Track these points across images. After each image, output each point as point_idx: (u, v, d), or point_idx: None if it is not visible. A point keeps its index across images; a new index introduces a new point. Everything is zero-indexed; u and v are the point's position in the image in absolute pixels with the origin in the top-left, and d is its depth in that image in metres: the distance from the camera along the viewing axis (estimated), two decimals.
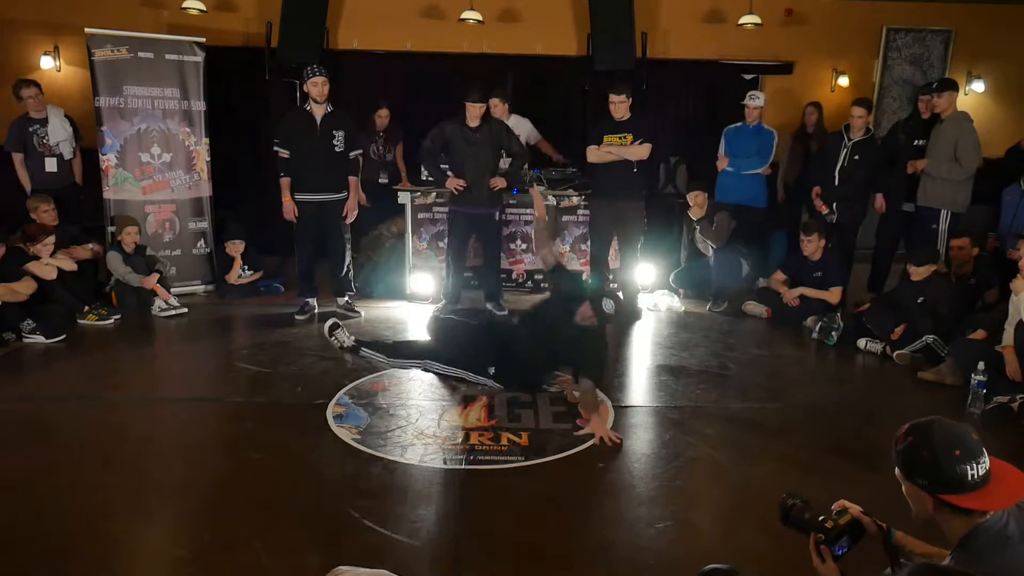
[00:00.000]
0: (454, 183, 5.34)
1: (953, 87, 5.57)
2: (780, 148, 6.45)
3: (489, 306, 5.70)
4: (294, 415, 3.79)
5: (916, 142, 5.85)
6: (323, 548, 2.59)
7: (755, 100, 6.19)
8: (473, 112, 5.24)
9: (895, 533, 1.91)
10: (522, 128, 6.66)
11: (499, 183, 5.42)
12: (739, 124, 6.30)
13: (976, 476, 1.63)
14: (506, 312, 5.64)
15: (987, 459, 1.65)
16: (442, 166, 5.49)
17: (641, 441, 3.62)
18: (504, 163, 5.64)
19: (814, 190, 5.94)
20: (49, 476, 3.11)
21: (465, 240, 5.63)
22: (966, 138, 5.42)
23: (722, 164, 6.24)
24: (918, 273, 4.85)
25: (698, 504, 3.08)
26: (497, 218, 5.65)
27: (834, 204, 5.78)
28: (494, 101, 6.46)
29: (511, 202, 6.11)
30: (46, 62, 7.28)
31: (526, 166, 5.87)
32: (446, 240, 5.83)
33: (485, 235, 5.64)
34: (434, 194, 6.02)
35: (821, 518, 1.87)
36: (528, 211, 6.14)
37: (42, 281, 5.08)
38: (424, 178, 6.15)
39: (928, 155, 5.59)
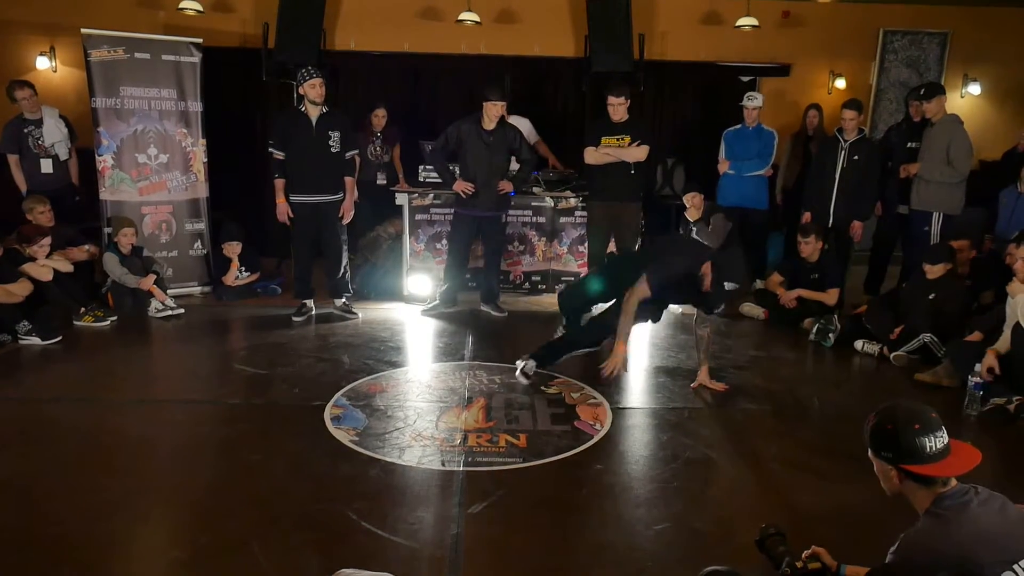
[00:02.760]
0: (462, 186, 5.34)
1: (940, 92, 5.59)
2: (778, 150, 6.47)
3: (486, 307, 5.69)
4: (291, 417, 3.78)
5: (909, 144, 5.87)
6: (321, 550, 2.59)
7: (753, 101, 6.17)
8: (492, 112, 5.25)
9: (844, 568, 2.16)
10: (522, 127, 6.65)
11: (507, 187, 5.46)
12: (738, 126, 6.28)
13: (934, 448, 1.83)
14: (505, 314, 5.64)
15: (945, 435, 1.86)
16: (452, 167, 5.49)
17: (639, 443, 3.63)
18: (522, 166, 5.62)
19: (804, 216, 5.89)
20: (45, 478, 3.10)
21: (468, 243, 5.63)
22: (958, 141, 5.44)
23: (723, 167, 6.22)
24: (933, 271, 4.88)
25: (696, 506, 3.08)
26: (503, 220, 5.69)
27: (832, 207, 5.77)
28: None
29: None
30: (42, 63, 7.26)
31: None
32: (447, 242, 5.83)
33: (489, 237, 5.65)
34: (431, 195, 6.01)
35: (789, 558, 2.14)
36: (527, 211, 6.14)
37: (38, 282, 5.06)
38: (422, 179, 6.14)
39: (920, 158, 5.61)
